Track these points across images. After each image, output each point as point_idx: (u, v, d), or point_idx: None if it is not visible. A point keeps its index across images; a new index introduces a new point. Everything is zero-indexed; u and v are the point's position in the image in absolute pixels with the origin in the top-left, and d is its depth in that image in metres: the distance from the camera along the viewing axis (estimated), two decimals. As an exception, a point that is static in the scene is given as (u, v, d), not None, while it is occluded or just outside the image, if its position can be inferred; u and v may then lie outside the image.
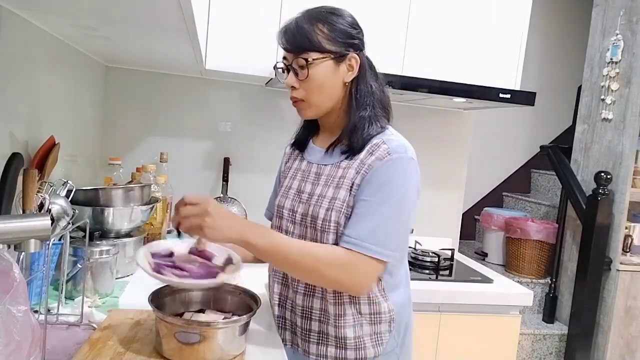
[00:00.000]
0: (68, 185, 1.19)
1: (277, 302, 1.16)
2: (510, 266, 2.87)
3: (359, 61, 1.07)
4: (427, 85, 1.81)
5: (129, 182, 1.74)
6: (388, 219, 0.99)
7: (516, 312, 1.82)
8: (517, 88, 2.00)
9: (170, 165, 1.98)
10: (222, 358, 0.94)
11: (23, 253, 0.95)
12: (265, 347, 1.05)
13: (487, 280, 1.90)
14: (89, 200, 1.33)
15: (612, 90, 2.56)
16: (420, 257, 2.00)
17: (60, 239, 1.14)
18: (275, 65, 1.12)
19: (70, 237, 1.18)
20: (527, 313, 2.81)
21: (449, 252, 2.16)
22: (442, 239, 2.36)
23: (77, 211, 1.20)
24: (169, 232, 1.82)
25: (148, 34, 1.24)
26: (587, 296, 2.50)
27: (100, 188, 1.37)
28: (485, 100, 1.88)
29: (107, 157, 1.81)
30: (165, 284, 1.05)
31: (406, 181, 1.01)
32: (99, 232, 1.33)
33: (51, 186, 1.14)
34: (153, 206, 1.51)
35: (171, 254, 1.03)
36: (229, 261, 1.04)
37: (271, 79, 1.83)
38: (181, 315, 1.03)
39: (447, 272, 1.98)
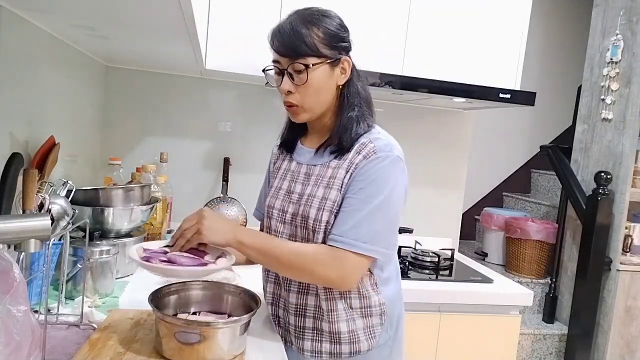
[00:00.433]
0: (68, 185, 1.19)
1: (270, 301, 1.17)
2: (510, 266, 2.87)
3: (350, 64, 1.08)
4: (427, 85, 1.81)
5: (129, 182, 1.74)
6: (373, 216, 1.00)
7: (516, 312, 1.82)
8: (517, 88, 2.00)
9: (170, 165, 1.98)
10: (222, 358, 0.94)
11: (23, 253, 0.95)
12: (265, 347, 1.06)
13: (487, 280, 1.90)
14: (89, 200, 1.33)
15: (612, 90, 2.56)
16: (420, 257, 2.00)
17: (60, 239, 1.14)
18: (265, 69, 1.10)
19: (70, 237, 1.19)
20: (527, 313, 2.81)
21: (449, 252, 2.16)
22: (442, 239, 2.36)
23: (77, 211, 1.20)
24: (169, 232, 1.82)
25: (148, 34, 1.24)
26: (587, 296, 2.50)
27: (100, 188, 1.37)
28: (485, 100, 1.88)
29: (107, 157, 1.81)
30: (164, 284, 1.07)
31: (392, 179, 1.02)
32: (99, 232, 1.33)
33: (51, 186, 1.14)
34: (153, 206, 1.51)
35: (165, 253, 1.04)
36: (221, 257, 1.06)
37: (271, 79, 1.83)
38: (181, 315, 1.03)
39: (447, 272, 1.98)
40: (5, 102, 1.10)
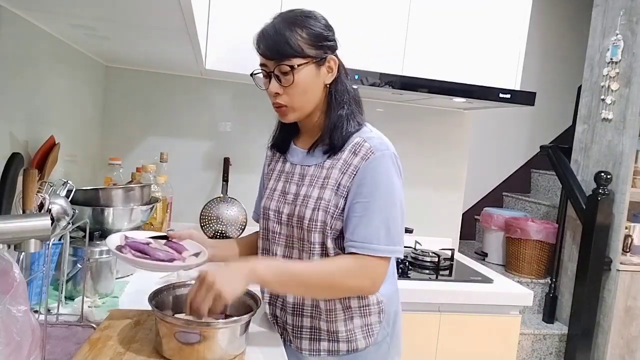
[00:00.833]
0: (68, 185, 1.19)
1: (267, 301, 1.18)
2: (510, 266, 2.87)
3: (337, 62, 1.08)
4: (427, 85, 1.81)
5: (129, 182, 1.74)
6: (385, 216, 1.02)
7: (516, 312, 1.82)
8: (517, 88, 2.00)
9: (170, 165, 1.98)
10: (222, 358, 0.94)
11: (23, 253, 0.95)
12: (265, 347, 1.06)
13: (487, 280, 1.90)
14: (89, 200, 1.33)
15: (612, 90, 2.56)
16: (420, 257, 2.00)
17: (60, 239, 1.14)
18: (253, 72, 1.11)
19: (70, 237, 1.19)
20: (527, 313, 2.81)
21: (449, 252, 2.16)
22: (442, 239, 2.36)
23: (77, 211, 1.20)
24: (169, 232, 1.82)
25: (148, 34, 1.24)
26: (587, 296, 2.50)
27: (100, 188, 1.37)
28: (485, 100, 1.88)
29: (107, 157, 1.81)
30: (164, 284, 1.07)
31: (393, 176, 1.04)
32: (99, 232, 1.33)
33: (51, 186, 1.14)
34: (153, 206, 1.51)
35: (148, 244, 1.05)
36: (195, 254, 1.07)
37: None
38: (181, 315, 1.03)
39: (447, 272, 1.98)
40: (5, 102, 1.10)
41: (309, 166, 1.11)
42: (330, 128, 1.08)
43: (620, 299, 2.48)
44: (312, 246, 1.06)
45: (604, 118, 2.60)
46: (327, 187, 1.05)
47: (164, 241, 1.10)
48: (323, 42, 1.05)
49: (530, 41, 2.15)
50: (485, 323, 1.79)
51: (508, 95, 1.87)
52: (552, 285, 2.75)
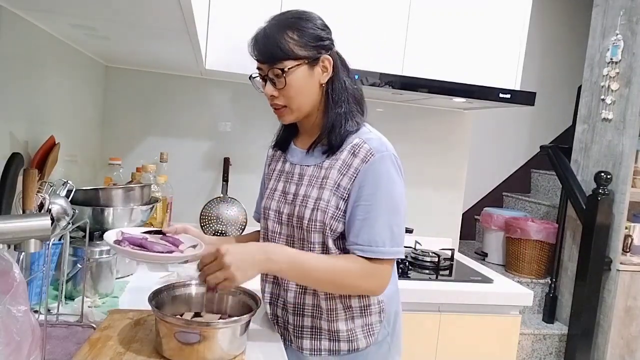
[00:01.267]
0: (68, 185, 1.19)
1: (268, 301, 1.18)
2: (510, 266, 2.87)
3: (331, 61, 1.08)
4: (427, 85, 1.81)
5: (129, 182, 1.74)
6: (388, 219, 1.02)
7: (516, 312, 1.82)
8: (517, 88, 2.00)
9: (170, 165, 1.98)
10: (222, 358, 0.94)
11: (23, 253, 0.95)
12: (265, 347, 1.06)
13: (487, 280, 1.90)
14: (89, 200, 1.33)
15: (612, 90, 2.56)
16: (420, 257, 2.00)
17: (60, 239, 1.14)
18: (251, 76, 1.13)
19: (70, 237, 1.19)
20: (527, 313, 2.81)
21: (449, 252, 2.16)
22: (442, 239, 2.36)
23: (77, 211, 1.20)
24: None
25: (148, 34, 1.24)
26: (587, 296, 2.50)
27: (100, 188, 1.37)
28: (485, 100, 1.88)
29: (107, 157, 1.81)
30: (164, 284, 1.07)
31: (394, 177, 1.04)
32: (99, 232, 1.33)
33: (51, 186, 1.14)
34: (153, 206, 1.51)
35: (145, 239, 1.05)
36: (192, 246, 1.08)
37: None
38: (181, 315, 1.03)
39: (447, 272, 1.98)
40: (5, 102, 1.10)
41: (308, 166, 1.11)
42: (328, 127, 1.08)
43: (620, 299, 2.48)
44: (312, 246, 1.06)
45: (604, 118, 2.60)
46: (325, 188, 1.05)
47: (160, 236, 1.11)
48: (316, 43, 1.05)
49: (530, 41, 2.15)
50: (485, 323, 1.79)
51: (508, 95, 1.87)
52: (552, 285, 2.75)
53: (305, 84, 1.05)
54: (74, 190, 1.21)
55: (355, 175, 1.03)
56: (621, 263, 2.48)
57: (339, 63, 1.10)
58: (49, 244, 0.88)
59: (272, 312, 1.18)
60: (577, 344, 2.53)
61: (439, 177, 2.36)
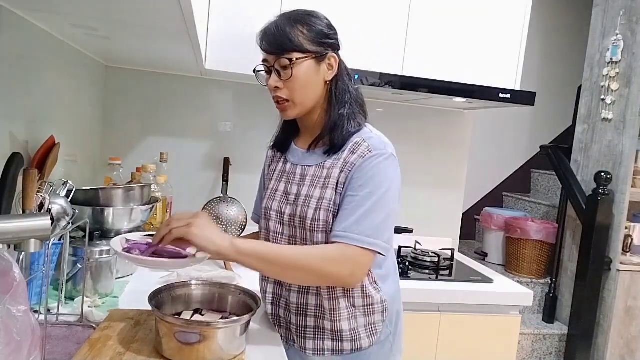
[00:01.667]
0: (68, 185, 1.19)
1: (270, 301, 1.17)
2: (510, 266, 2.87)
3: (337, 60, 1.09)
4: (427, 85, 1.81)
5: (129, 182, 1.74)
6: (373, 212, 1.01)
7: (516, 312, 1.82)
8: (517, 88, 2.00)
9: (170, 165, 1.98)
10: (222, 358, 0.94)
11: (23, 253, 0.95)
12: (265, 347, 1.06)
13: (487, 280, 1.90)
14: (89, 200, 1.33)
15: (612, 90, 2.56)
16: (420, 257, 2.00)
17: (60, 239, 1.14)
18: (255, 69, 1.13)
19: (70, 237, 1.19)
20: (527, 313, 2.81)
21: (449, 252, 2.16)
22: (442, 239, 2.36)
23: (77, 211, 1.20)
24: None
25: (148, 34, 1.24)
26: (587, 296, 2.50)
27: (100, 188, 1.37)
28: (485, 100, 1.88)
29: (107, 157, 1.81)
30: (164, 284, 1.07)
31: (389, 177, 1.04)
32: (99, 232, 1.33)
33: (51, 186, 1.14)
34: (153, 206, 1.51)
35: (147, 244, 1.04)
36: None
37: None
38: (180, 315, 1.03)
39: (447, 272, 1.98)
40: (5, 102, 1.10)
41: (309, 166, 1.11)
42: (330, 127, 1.08)
43: (620, 299, 2.48)
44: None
45: (604, 118, 2.60)
46: (328, 187, 1.05)
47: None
48: (324, 40, 1.07)
49: (530, 41, 2.14)
50: (485, 323, 1.80)
51: (508, 95, 1.87)
52: (552, 285, 2.75)
53: (310, 78, 1.06)
54: (74, 190, 1.21)
55: (350, 169, 1.04)
56: (621, 263, 2.48)
57: (343, 67, 1.12)
58: (49, 244, 0.88)
59: (274, 312, 1.17)
60: (577, 344, 2.53)
61: (439, 177, 2.36)
